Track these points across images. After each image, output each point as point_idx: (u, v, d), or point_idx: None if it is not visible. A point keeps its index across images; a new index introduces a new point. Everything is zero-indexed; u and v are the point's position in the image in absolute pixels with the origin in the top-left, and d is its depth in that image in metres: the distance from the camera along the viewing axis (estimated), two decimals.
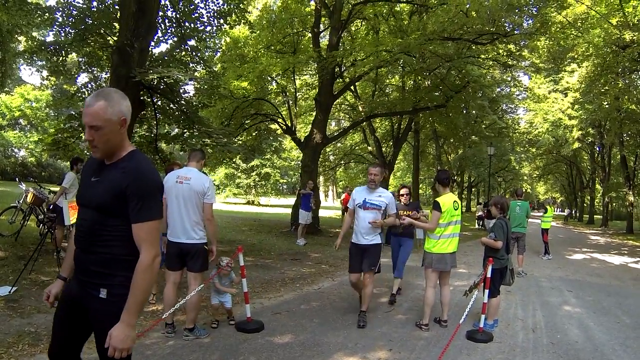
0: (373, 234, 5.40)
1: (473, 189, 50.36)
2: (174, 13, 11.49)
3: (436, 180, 5.73)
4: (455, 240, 5.44)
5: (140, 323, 4.90)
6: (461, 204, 5.80)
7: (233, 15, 12.17)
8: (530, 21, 16.49)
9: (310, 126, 17.82)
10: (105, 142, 2.08)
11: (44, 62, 12.59)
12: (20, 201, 9.20)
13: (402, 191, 7.01)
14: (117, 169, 2.11)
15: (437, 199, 5.42)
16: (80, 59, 11.85)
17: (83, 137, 2.88)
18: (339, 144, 29.66)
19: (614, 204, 44.19)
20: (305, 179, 15.04)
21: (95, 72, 12.10)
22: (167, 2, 11.21)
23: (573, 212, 51.05)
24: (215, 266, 5.10)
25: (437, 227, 5.34)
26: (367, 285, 5.36)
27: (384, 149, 25.25)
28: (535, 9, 15.02)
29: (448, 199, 5.38)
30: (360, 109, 21.33)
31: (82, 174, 2.33)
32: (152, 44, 10.45)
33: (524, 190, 11.90)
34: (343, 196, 21.67)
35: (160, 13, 10.56)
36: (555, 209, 42.38)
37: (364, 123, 21.50)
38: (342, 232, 5.89)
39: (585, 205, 46.41)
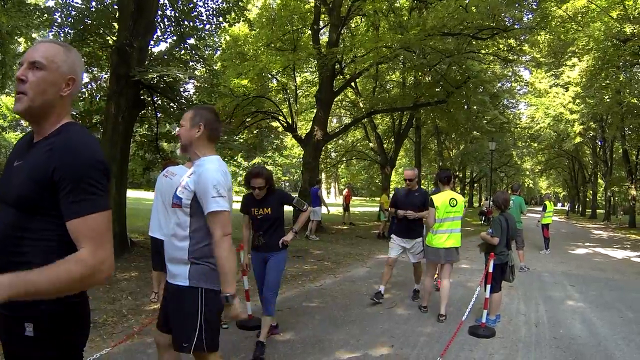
0: (183, 265, 2.51)
1: (475, 185, 50.25)
2: (173, 12, 11.47)
3: (437, 178, 6.24)
4: (455, 236, 5.69)
5: (140, 321, 4.90)
6: (463, 200, 5.95)
7: (232, 13, 12.18)
8: (530, 15, 16.47)
9: (311, 123, 17.81)
10: (38, 92, 1.50)
11: None
12: None
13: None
14: (42, 146, 1.53)
15: (432, 196, 5.84)
16: None
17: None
18: (340, 141, 29.69)
19: (617, 198, 44.14)
20: (306, 176, 15.06)
21: (95, 71, 12.10)
22: (166, 1, 11.20)
23: (576, 206, 51.04)
24: None
25: (435, 223, 5.72)
26: None
27: (385, 145, 25.23)
28: (535, 3, 15.01)
29: (443, 196, 5.71)
30: (361, 105, 21.29)
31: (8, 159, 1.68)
32: (152, 43, 10.45)
33: (519, 184, 11.97)
34: (345, 192, 21.67)
35: (159, 12, 10.55)
36: (556, 203, 42.29)
37: (365, 119, 21.49)
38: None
39: (587, 199, 46.33)
